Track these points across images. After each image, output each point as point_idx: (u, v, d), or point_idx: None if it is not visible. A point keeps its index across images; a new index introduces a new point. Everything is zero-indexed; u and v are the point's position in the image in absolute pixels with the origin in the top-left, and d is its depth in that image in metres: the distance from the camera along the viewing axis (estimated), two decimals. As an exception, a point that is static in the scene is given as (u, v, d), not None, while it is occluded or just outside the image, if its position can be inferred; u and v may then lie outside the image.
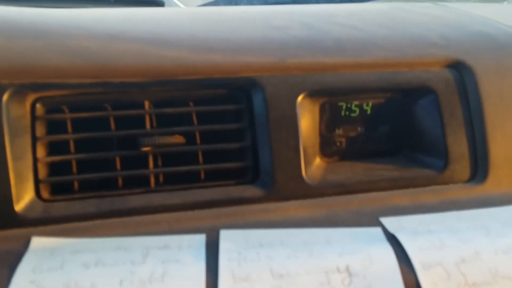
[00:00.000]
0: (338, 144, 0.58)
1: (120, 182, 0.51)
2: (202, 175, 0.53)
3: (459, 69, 0.59)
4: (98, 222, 0.49)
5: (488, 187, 0.57)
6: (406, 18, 0.68)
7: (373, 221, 0.51)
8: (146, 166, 0.52)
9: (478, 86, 0.58)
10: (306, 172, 0.54)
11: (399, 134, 0.60)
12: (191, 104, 0.53)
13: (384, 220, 0.51)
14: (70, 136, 0.50)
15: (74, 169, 0.50)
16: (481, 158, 0.57)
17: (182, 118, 0.53)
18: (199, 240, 0.47)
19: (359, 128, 0.59)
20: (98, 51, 0.51)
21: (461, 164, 0.57)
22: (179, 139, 0.53)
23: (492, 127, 0.58)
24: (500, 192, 0.57)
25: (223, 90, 0.54)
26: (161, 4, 0.84)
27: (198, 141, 0.53)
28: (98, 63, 0.50)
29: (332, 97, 0.57)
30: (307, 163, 0.54)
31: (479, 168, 0.57)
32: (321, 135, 0.57)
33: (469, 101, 0.58)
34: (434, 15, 0.71)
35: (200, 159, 0.53)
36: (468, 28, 0.65)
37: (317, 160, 0.57)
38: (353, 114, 0.58)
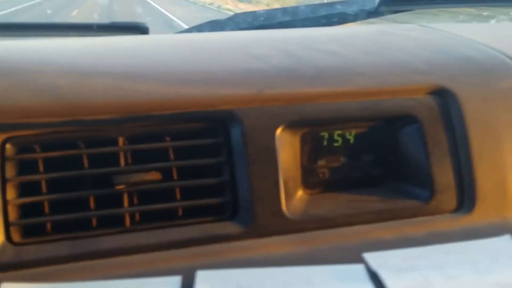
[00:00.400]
0: (320, 175, 0.57)
1: (94, 222, 0.50)
2: (180, 212, 0.52)
3: (443, 96, 0.57)
4: (71, 265, 0.47)
5: (476, 217, 0.55)
6: (390, 43, 0.67)
7: (356, 257, 0.49)
8: (121, 204, 0.50)
9: (462, 113, 0.56)
10: (287, 206, 0.52)
11: (383, 163, 0.58)
12: (167, 139, 0.52)
13: (368, 256, 0.49)
14: (41, 176, 0.49)
15: (46, 210, 0.49)
16: (467, 188, 0.56)
17: (158, 154, 0.52)
18: (175, 282, 0.45)
19: (342, 158, 0.57)
20: (68, 88, 0.49)
21: (447, 194, 0.55)
22: (155, 175, 0.51)
23: (479, 155, 0.56)
24: (488, 222, 0.55)
25: (200, 124, 0.53)
26: (145, 31, 0.83)
27: (175, 177, 0.52)
28: (68, 101, 0.48)
29: (313, 127, 0.55)
30: (288, 197, 0.53)
31: (466, 198, 0.56)
32: (303, 166, 0.56)
33: (454, 129, 0.56)
34: (418, 38, 0.70)
35: (178, 195, 0.52)
36: (452, 52, 0.63)
37: (299, 193, 0.55)
38: (335, 144, 0.57)
